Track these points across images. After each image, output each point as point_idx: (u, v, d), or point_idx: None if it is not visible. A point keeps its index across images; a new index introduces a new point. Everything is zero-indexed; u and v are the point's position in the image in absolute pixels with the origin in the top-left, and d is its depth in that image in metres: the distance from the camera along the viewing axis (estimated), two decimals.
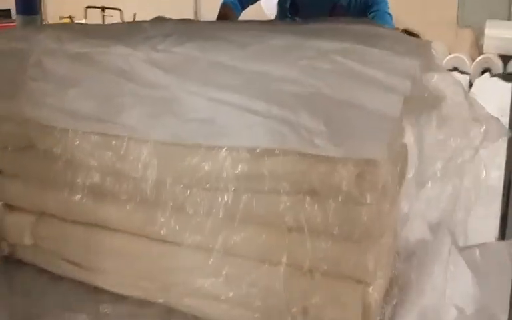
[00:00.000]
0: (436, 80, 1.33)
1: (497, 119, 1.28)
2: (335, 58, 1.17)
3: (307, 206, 1.17)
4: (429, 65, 1.33)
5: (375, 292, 1.19)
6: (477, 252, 1.39)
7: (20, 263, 1.64)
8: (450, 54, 4.78)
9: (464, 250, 1.40)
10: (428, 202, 1.44)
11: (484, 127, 1.26)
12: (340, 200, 1.14)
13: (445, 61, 4.73)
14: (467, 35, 5.31)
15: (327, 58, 1.17)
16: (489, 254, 1.41)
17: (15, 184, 1.62)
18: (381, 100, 1.12)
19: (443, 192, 1.39)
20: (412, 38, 1.53)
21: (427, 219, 1.47)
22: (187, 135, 1.26)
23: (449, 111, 1.33)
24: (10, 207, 1.65)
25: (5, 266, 1.64)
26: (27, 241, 1.58)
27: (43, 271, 1.59)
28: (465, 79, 4.38)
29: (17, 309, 1.44)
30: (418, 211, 1.44)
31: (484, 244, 1.44)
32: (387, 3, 2.32)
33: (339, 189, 1.12)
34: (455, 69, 4.55)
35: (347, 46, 1.19)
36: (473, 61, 4.84)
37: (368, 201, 1.12)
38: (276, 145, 1.14)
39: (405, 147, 1.41)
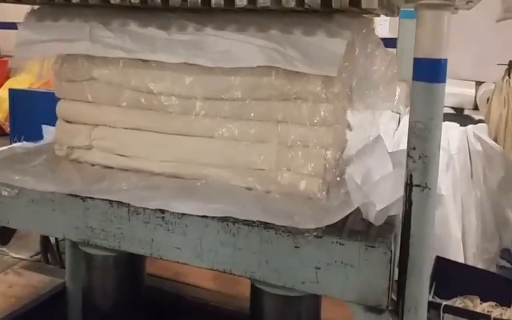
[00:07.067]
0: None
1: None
2: (307, 17, 1.89)
3: (292, 105, 1.90)
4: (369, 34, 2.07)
5: (330, 156, 1.90)
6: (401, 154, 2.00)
7: None
8: None
9: (392, 153, 2.07)
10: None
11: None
12: (312, 99, 1.88)
13: None
14: (403, 86, 6.36)
15: (303, 16, 1.89)
16: None
17: (74, 106, 2.26)
18: (334, 43, 1.82)
19: None
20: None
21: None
22: (212, 62, 1.96)
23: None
24: (68, 122, 2.28)
25: None
26: (84, 142, 2.21)
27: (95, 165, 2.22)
28: (396, 117, 5.38)
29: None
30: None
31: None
32: None
33: (311, 92, 1.86)
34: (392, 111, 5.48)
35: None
36: (407, 106, 5.85)
37: (328, 99, 1.86)
38: (271, 64, 1.84)
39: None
